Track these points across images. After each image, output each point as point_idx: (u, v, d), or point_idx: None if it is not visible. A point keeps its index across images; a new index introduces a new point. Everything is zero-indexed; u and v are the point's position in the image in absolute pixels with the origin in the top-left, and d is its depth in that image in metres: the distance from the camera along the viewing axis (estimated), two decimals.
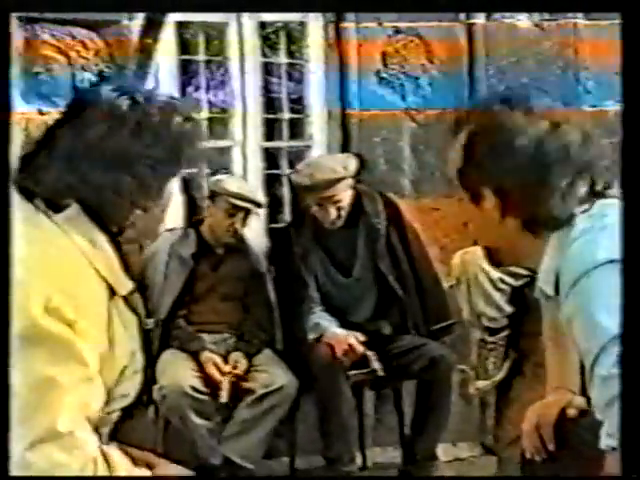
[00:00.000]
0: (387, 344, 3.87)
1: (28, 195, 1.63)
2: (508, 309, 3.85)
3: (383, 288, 3.93)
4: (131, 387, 1.69)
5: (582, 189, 1.57)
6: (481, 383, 3.92)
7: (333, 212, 3.82)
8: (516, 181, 1.56)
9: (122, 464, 1.63)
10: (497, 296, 3.83)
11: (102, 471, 1.57)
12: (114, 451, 1.64)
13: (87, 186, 1.62)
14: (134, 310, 1.69)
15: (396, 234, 3.95)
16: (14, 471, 1.45)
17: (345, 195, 3.84)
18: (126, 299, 1.67)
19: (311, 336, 3.81)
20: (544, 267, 1.59)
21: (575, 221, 1.55)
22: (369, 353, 3.76)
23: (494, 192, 1.58)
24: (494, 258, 3.76)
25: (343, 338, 3.75)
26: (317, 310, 3.88)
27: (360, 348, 3.74)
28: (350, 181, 3.85)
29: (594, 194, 1.57)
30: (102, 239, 1.64)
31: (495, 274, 3.80)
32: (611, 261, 1.45)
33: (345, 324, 3.89)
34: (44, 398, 1.49)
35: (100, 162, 1.62)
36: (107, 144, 1.62)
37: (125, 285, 1.66)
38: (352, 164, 3.89)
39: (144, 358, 1.71)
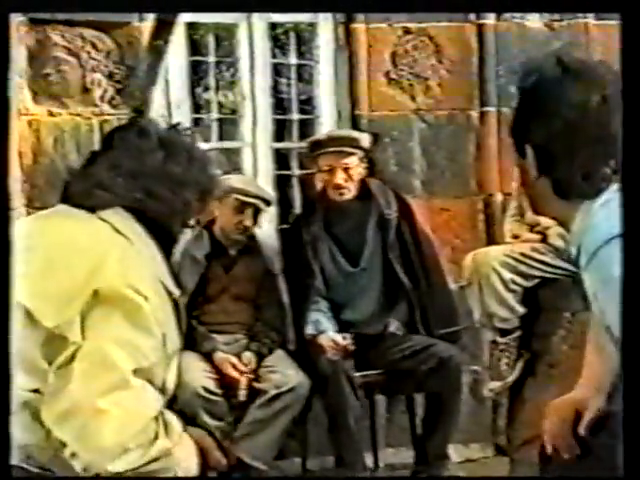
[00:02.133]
0: (394, 343, 3.91)
1: (74, 206, 1.86)
2: (520, 310, 3.85)
3: (390, 280, 3.95)
4: (171, 382, 1.85)
5: (609, 168, 1.61)
6: (493, 384, 3.91)
7: (341, 176, 3.85)
8: (554, 144, 1.61)
9: (177, 427, 1.79)
10: (509, 297, 3.83)
11: (161, 430, 1.73)
12: (170, 415, 1.80)
13: (150, 199, 1.85)
14: (178, 312, 1.86)
15: (407, 229, 3.98)
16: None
17: (355, 165, 3.88)
18: (176, 303, 1.85)
19: (308, 331, 3.86)
20: (571, 237, 1.65)
21: (600, 196, 1.61)
22: (347, 341, 3.80)
23: (533, 149, 1.63)
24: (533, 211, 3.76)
25: (332, 339, 3.79)
26: (321, 305, 3.93)
27: (342, 342, 3.77)
28: (361, 155, 3.90)
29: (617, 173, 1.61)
30: (152, 244, 1.84)
31: (507, 275, 3.81)
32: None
33: (349, 320, 3.94)
34: (117, 354, 1.66)
35: (161, 183, 1.86)
36: (168, 167, 1.86)
37: (174, 289, 1.84)
38: (366, 139, 3.95)
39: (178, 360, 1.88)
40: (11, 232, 1.30)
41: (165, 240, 1.88)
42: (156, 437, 1.71)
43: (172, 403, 3.52)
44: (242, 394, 3.75)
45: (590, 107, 1.60)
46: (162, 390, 1.79)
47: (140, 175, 1.84)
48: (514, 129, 1.69)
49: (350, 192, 3.89)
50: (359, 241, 3.93)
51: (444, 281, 4.10)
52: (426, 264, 4.00)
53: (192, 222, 1.93)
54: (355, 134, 3.99)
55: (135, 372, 1.69)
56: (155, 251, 1.83)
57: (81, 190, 1.86)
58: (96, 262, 1.73)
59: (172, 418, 1.80)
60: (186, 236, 3.97)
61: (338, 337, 3.80)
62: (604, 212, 1.59)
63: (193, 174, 1.87)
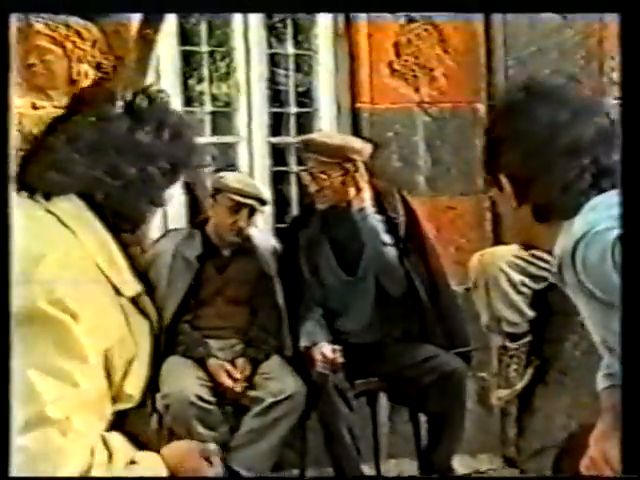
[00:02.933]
0: (396, 352, 3.93)
1: (30, 190, 1.74)
2: (530, 313, 3.87)
3: (384, 289, 3.94)
4: (137, 389, 1.75)
5: (585, 182, 1.68)
6: (502, 392, 3.93)
7: (317, 182, 3.83)
8: (527, 166, 1.67)
9: (124, 449, 1.70)
10: (518, 300, 3.85)
11: (102, 456, 1.65)
12: (116, 436, 1.71)
13: (110, 177, 1.74)
14: (143, 313, 1.76)
15: (413, 235, 3.96)
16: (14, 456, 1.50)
17: (334, 172, 3.82)
18: (134, 301, 1.75)
19: (303, 343, 3.88)
20: (554, 259, 1.69)
21: (579, 212, 1.66)
22: (337, 352, 3.81)
23: (508, 178, 1.69)
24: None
25: (320, 351, 3.81)
26: (315, 313, 3.95)
27: (330, 354, 3.79)
28: (349, 164, 3.83)
29: (598, 188, 1.67)
30: (105, 235, 1.73)
31: (516, 277, 3.83)
32: (609, 229, 1.54)
33: (343, 329, 3.96)
34: (41, 382, 1.56)
35: (126, 154, 1.75)
36: (131, 138, 1.75)
37: (132, 286, 1.75)
38: (362, 147, 3.89)
39: (152, 363, 1.78)
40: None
41: (130, 224, 1.80)
42: (89, 468, 1.62)
43: (164, 412, 3.60)
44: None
45: (559, 124, 1.66)
46: (102, 416, 1.71)
47: (101, 148, 1.74)
48: (487, 162, 1.75)
49: (328, 201, 3.87)
50: (357, 248, 3.91)
51: (454, 296, 4.11)
52: (434, 277, 3.97)
53: (164, 199, 1.81)
54: (336, 142, 3.87)
55: (62, 402, 1.59)
56: (108, 244, 1.73)
57: (36, 173, 1.75)
58: (26, 274, 1.60)
59: (117, 442, 1.70)
60: (177, 236, 4.02)
61: (327, 349, 3.82)
62: (581, 217, 1.64)
63: (163, 143, 1.77)
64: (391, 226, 3.88)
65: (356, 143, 3.92)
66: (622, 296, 1.36)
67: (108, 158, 1.74)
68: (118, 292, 1.72)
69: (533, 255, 3.78)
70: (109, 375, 1.70)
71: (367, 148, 3.91)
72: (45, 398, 1.56)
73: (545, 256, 3.77)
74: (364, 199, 3.85)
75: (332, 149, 3.82)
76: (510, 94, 1.74)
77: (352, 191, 3.84)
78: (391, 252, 3.85)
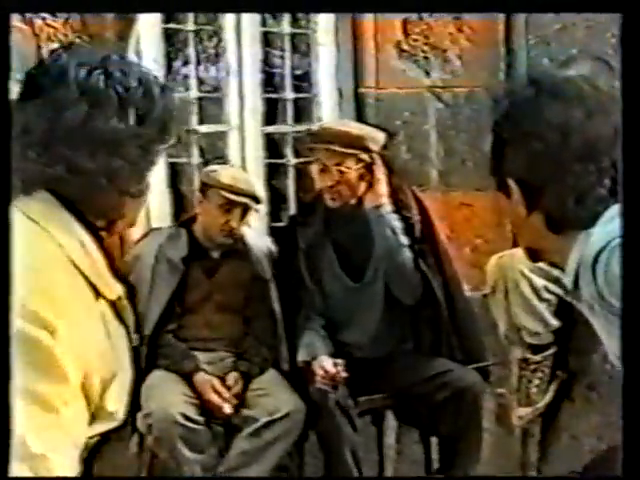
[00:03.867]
0: (405, 366, 3.93)
1: None
2: (554, 323, 3.90)
3: (393, 297, 3.93)
4: (119, 406, 1.74)
5: (603, 189, 1.66)
6: (523, 410, 3.97)
7: (332, 177, 3.81)
8: (537, 172, 1.66)
9: None
10: (541, 307, 3.88)
11: None
12: None
13: (71, 174, 1.69)
14: (121, 319, 1.74)
15: (427, 237, 3.94)
16: None
17: (354, 168, 3.81)
18: (114, 305, 1.73)
19: (301, 357, 3.88)
20: (567, 273, 1.69)
21: (597, 223, 1.65)
22: (339, 367, 3.80)
23: (517, 184, 1.68)
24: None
25: (321, 366, 3.81)
26: (315, 324, 3.95)
27: (331, 369, 3.78)
28: (365, 156, 3.82)
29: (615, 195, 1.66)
30: (83, 234, 1.70)
31: (539, 281, 3.85)
32: None
33: (347, 341, 3.96)
34: (19, 412, 1.50)
35: (85, 146, 1.69)
36: (90, 126, 1.69)
37: (114, 288, 1.72)
38: (378, 137, 3.88)
39: (133, 375, 1.76)
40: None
41: (105, 220, 1.76)
42: None
43: (146, 432, 3.59)
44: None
45: (572, 125, 1.64)
46: (79, 443, 1.67)
47: (56, 141, 1.68)
48: (493, 165, 1.74)
49: (342, 198, 3.85)
50: (364, 251, 3.90)
51: (469, 304, 4.09)
52: (448, 283, 3.95)
53: (139, 188, 1.75)
54: (355, 130, 3.87)
55: (40, 434, 1.56)
56: (86, 242, 1.70)
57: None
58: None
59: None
60: (161, 235, 4.00)
61: (328, 363, 3.81)
62: (600, 229, 1.63)
63: (129, 127, 1.70)
64: (406, 226, 3.86)
65: (376, 132, 3.90)
66: (623, 302, 1.41)
67: (63, 152, 1.68)
68: (97, 296, 1.70)
69: (542, 260, 3.78)
70: (87, 393, 1.68)
71: (383, 138, 3.90)
72: (21, 431, 1.51)
73: None
74: (380, 195, 3.83)
75: (351, 138, 3.80)
76: (516, 90, 1.73)
77: (363, 186, 3.83)
78: (408, 255, 3.84)
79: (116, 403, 1.73)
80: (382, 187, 3.83)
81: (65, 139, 1.68)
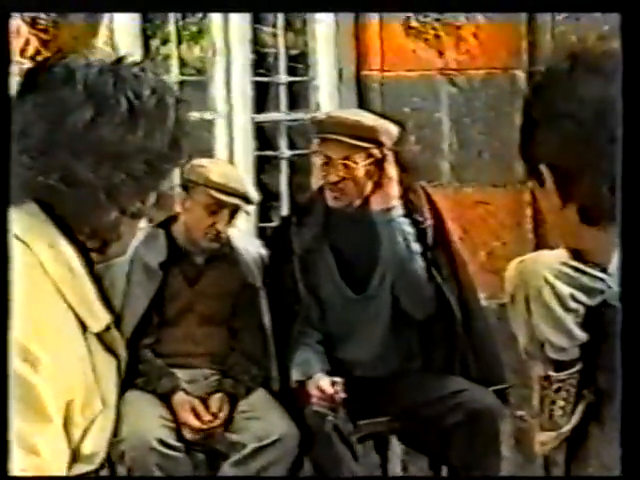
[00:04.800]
0: (412, 385, 3.92)
1: None
2: (581, 335, 3.85)
3: (399, 310, 3.92)
4: (100, 445, 1.73)
5: None
6: (546, 435, 3.90)
7: (338, 172, 3.79)
8: (569, 155, 1.65)
9: None
10: (567, 318, 3.83)
11: None
12: None
13: (67, 186, 1.69)
14: (110, 350, 1.74)
15: (440, 243, 3.94)
16: None
17: (362, 160, 3.79)
18: (102, 336, 1.73)
19: (295, 377, 3.87)
20: (612, 265, 1.68)
21: None
22: (337, 387, 3.79)
23: (550, 169, 1.66)
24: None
25: (317, 385, 3.80)
26: (311, 339, 3.94)
27: (329, 389, 3.76)
28: (376, 150, 3.80)
29: None
30: (72, 256, 1.70)
31: (565, 289, 3.81)
32: None
33: (346, 359, 3.95)
34: None
35: (87, 156, 1.69)
36: (95, 133, 1.69)
37: (99, 319, 1.72)
38: (392, 130, 3.85)
39: (118, 412, 1.77)
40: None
41: (99, 242, 1.77)
42: None
43: (118, 461, 3.58)
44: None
45: (610, 103, 1.60)
46: None
47: (54, 147, 1.69)
48: (523, 147, 1.74)
49: (347, 197, 3.83)
50: (368, 258, 3.89)
51: (485, 316, 4.11)
52: (462, 293, 3.95)
53: (142, 208, 1.76)
54: (369, 121, 3.84)
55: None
56: (75, 266, 1.70)
57: None
58: None
59: None
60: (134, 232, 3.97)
61: (325, 382, 3.78)
62: None
63: (137, 138, 1.71)
64: (418, 232, 3.86)
65: (389, 125, 3.88)
66: (621, 302, 1.44)
67: (61, 160, 1.69)
68: (84, 327, 1.71)
69: (586, 262, 3.76)
70: (68, 433, 1.69)
71: (397, 132, 3.88)
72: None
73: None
74: (391, 197, 3.82)
75: (363, 130, 3.78)
76: (552, 65, 1.71)
77: (370, 185, 3.81)
78: (420, 265, 3.84)
79: (96, 446, 1.74)
80: (393, 188, 3.82)
81: (65, 145, 1.69)
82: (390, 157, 3.81)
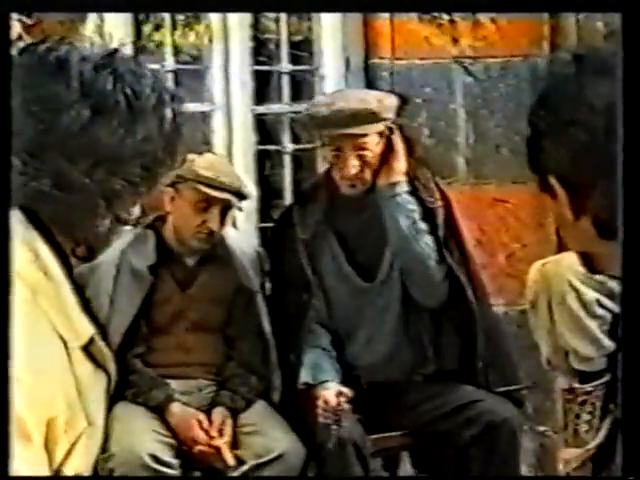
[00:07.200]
0: (425, 395, 3.92)
1: None
2: (608, 344, 3.83)
3: (410, 301, 3.94)
4: (85, 466, 1.73)
5: None
6: (570, 452, 3.86)
7: (353, 163, 3.81)
8: (580, 165, 1.63)
9: None
10: (593, 326, 3.84)
11: None
12: None
13: (60, 191, 1.70)
14: (96, 362, 1.74)
15: (451, 235, 3.94)
16: None
17: (374, 144, 3.84)
18: (86, 349, 1.73)
19: (304, 378, 3.86)
20: None
21: None
22: (341, 398, 3.78)
23: (560, 182, 1.64)
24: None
25: (321, 394, 3.80)
26: (321, 339, 3.94)
27: (332, 400, 3.75)
28: (382, 127, 3.83)
29: None
30: (55, 266, 1.70)
31: (590, 294, 3.81)
32: None
33: (355, 362, 3.96)
34: None
35: (82, 159, 1.69)
36: (92, 135, 1.69)
37: (81, 333, 1.72)
38: (391, 102, 3.90)
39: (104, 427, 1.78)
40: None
41: (87, 250, 1.78)
42: None
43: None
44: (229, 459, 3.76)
45: (618, 109, 1.62)
46: None
47: (47, 150, 1.69)
48: (531, 158, 1.72)
49: (365, 184, 3.87)
50: (376, 243, 3.90)
51: (497, 321, 4.13)
52: (477, 295, 3.94)
53: (133, 213, 1.77)
54: (373, 106, 3.87)
55: None
56: (56, 277, 1.70)
57: None
58: None
59: None
60: (124, 240, 3.95)
61: (330, 393, 3.78)
62: None
63: (135, 141, 1.71)
64: (425, 211, 3.88)
65: (386, 97, 3.96)
66: (622, 301, 1.48)
67: (54, 163, 1.69)
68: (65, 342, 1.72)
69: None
70: (50, 453, 1.69)
71: (395, 102, 3.94)
72: None
73: None
74: (396, 171, 3.85)
75: (368, 116, 3.82)
76: (557, 68, 1.70)
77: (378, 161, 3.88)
78: (428, 244, 3.86)
79: (80, 466, 1.74)
80: (400, 162, 3.86)
81: (58, 148, 1.69)
82: (396, 130, 3.88)
